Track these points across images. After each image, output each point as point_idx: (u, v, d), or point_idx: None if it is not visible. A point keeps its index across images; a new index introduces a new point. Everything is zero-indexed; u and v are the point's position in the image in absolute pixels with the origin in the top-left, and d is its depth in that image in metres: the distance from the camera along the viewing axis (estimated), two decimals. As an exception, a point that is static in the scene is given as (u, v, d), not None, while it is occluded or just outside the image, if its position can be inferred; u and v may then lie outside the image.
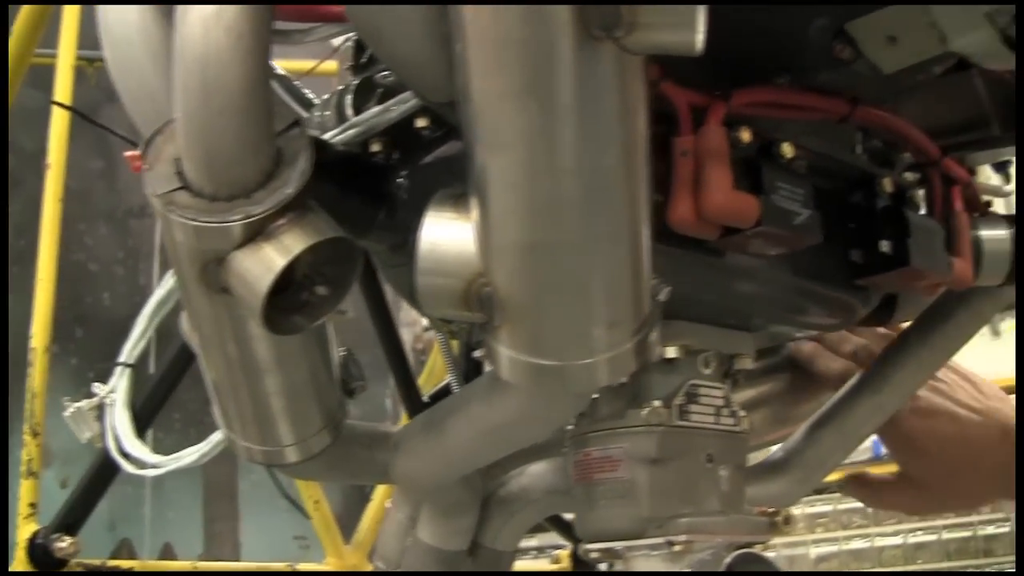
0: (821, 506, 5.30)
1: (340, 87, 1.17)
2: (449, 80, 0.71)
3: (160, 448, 1.74)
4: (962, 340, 1.40)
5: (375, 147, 1.04)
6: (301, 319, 0.84)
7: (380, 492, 2.76)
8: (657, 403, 1.05)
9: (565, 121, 0.65)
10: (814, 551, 5.32)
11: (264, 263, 0.77)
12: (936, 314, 1.37)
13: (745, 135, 0.96)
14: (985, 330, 4.52)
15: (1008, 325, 5.35)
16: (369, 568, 2.75)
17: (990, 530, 4.82)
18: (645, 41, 0.62)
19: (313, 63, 1.64)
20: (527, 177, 0.69)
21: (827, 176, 1.09)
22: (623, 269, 0.78)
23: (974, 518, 4.90)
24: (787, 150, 0.99)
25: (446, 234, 0.80)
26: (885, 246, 1.07)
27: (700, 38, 0.63)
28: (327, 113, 1.15)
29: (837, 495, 5.24)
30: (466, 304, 0.80)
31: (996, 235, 1.22)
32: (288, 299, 0.84)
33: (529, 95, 0.64)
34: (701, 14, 0.62)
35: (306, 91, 1.28)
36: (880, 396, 1.34)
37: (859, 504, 5.16)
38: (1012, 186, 1.50)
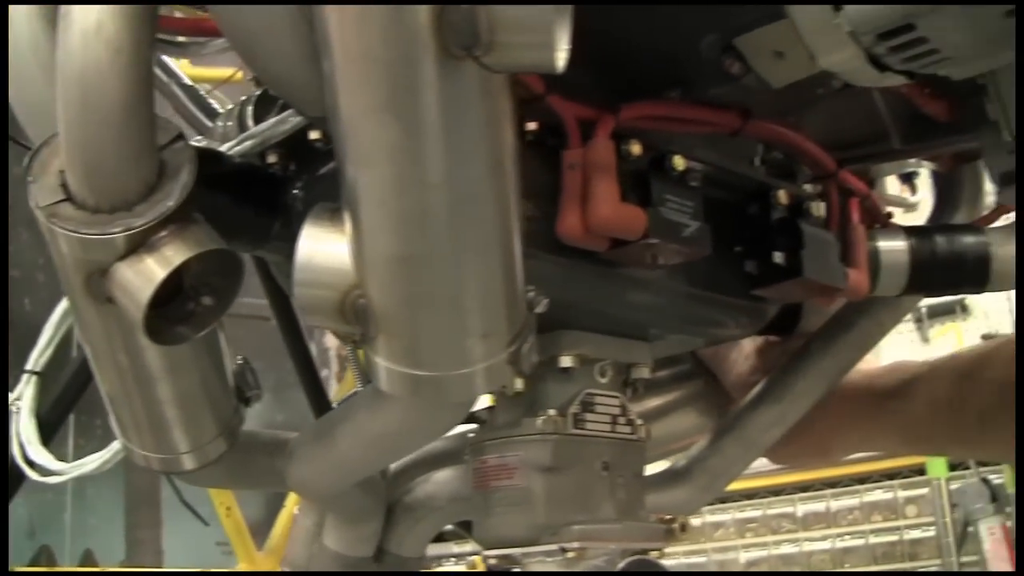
0: (751, 511, 5.34)
1: (243, 98, 1.18)
2: (321, 96, 0.72)
3: (83, 455, 1.74)
4: (864, 349, 1.42)
5: (272, 158, 1.04)
6: (186, 329, 0.84)
7: (292, 499, 2.78)
8: (552, 412, 1.06)
9: (428, 137, 0.66)
10: (744, 555, 5.35)
11: (144, 275, 0.78)
12: (838, 324, 1.40)
13: (635, 148, 0.97)
14: (915, 336, 4.57)
15: (936, 331, 5.42)
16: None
17: (916, 534, 4.88)
18: (504, 60, 0.63)
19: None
20: (393, 192, 0.70)
21: (724, 188, 1.10)
22: (494, 281, 0.79)
23: (900, 523, 4.96)
24: (678, 163, 1.00)
25: (322, 247, 0.80)
26: (779, 257, 1.09)
27: (559, 57, 0.64)
28: (230, 124, 1.16)
29: (767, 500, 5.29)
30: (342, 315, 0.80)
31: (894, 246, 1.24)
32: (174, 309, 0.84)
33: (392, 112, 0.65)
34: (557, 35, 0.63)
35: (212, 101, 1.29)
36: (782, 405, 1.36)
37: (789, 509, 5.25)
38: (919, 197, 1.52)
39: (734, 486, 4.72)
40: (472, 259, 0.75)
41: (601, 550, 1.05)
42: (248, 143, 1.07)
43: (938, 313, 5.42)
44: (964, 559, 4.63)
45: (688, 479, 1.38)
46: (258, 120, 1.13)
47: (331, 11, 0.64)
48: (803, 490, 5.24)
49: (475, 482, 1.10)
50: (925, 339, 5.47)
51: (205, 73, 1.84)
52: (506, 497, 1.07)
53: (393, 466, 1.37)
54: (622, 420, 1.12)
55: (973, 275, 1.27)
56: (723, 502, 5.37)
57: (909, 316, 5.53)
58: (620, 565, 1.03)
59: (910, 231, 1.26)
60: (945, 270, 1.25)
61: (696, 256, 1.00)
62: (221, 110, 1.25)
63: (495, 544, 1.08)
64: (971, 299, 5.35)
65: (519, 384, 1.08)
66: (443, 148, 0.67)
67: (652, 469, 1.45)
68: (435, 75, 0.64)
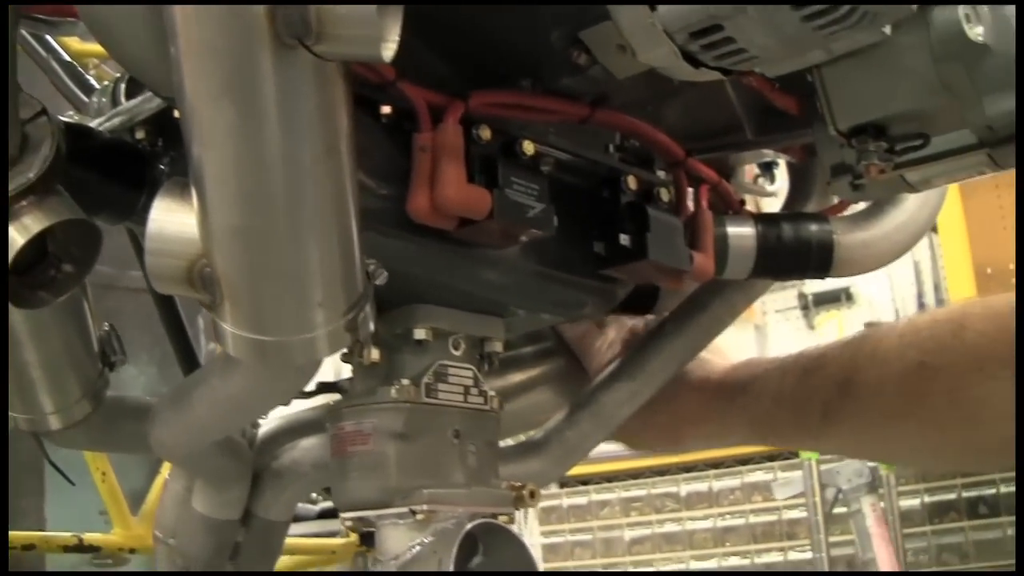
0: (636, 491, 5.43)
1: (118, 75, 1.22)
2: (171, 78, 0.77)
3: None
4: (716, 330, 1.48)
5: (140, 134, 1.08)
6: (47, 294, 0.89)
7: (166, 465, 2.80)
8: (406, 382, 1.11)
9: (264, 120, 0.71)
10: (628, 534, 5.44)
11: (4, 241, 0.82)
12: (692, 305, 1.46)
13: (485, 133, 1.03)
14: (801, 323, 4.66)
15: (821, 319, 5.54)
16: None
17: (793, 514, 4.98)
18: (334, 50, 0.68)
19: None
20: (233, 171, 0.74)
21: (577, 173, 1.16)
22: (330, 254, 0.84)
23: (779, 503, 5.06)
24: (528, 148, 1.06)
25: (172, 218, 0.85)
26: (625, 239, 1.15)
27: (385, 49, 0.69)
28: (104, 100, 1.20)
29: (652, 480, 5.38)
30: (190, 283, 0.85)
31: (742, 232, 1.30)
32: (36, 275, 0.89)
33: (230, 96, 0.70)
34: (383, 30, 0.68)
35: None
36: (635, 382, 1.42)
37: (673, 489, 5.34)
38: (777, 186, 1.59)
39: (620, 466, 4.79)
40: (308, 233, 0.80)
41: (450, 514, 1.10)
42: (117, 119, 1.11)
43: (824, 301, 5.54)
44: (834, 539, 4.74)
45: (544, 451, 1.43)
46: (130, 97, 1.16)
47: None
48: (687, 471, 5.33)
49: (333, 448, 1.15)
50: (811, 326, 5.59)
51: (94, 49, 1.87)
52: (361, 462, 1.12)
53: (261, 433, 1.41)
54: (475, 391, 1.17)
55: (817, 262, 1.34)
56: (609, 481, 5.47)
57: (795, 303, 5.67)
58: (467, 527, 1.08)
59: (759, 218, 1.32)
60: (790, 256, 1.32)
61: (540, 235, 1.05)
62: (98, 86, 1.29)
63: (351, 507, 1.13)
64: (856, 288, 5.47)
65: (375, 355, 1.13)
66: (278, 131, 0.72)
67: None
68: (269, 63, 0.69)
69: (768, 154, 1.48)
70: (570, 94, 1.10)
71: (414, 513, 1.08)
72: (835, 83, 1.00)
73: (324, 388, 1.28)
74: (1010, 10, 0.92)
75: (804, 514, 4.87)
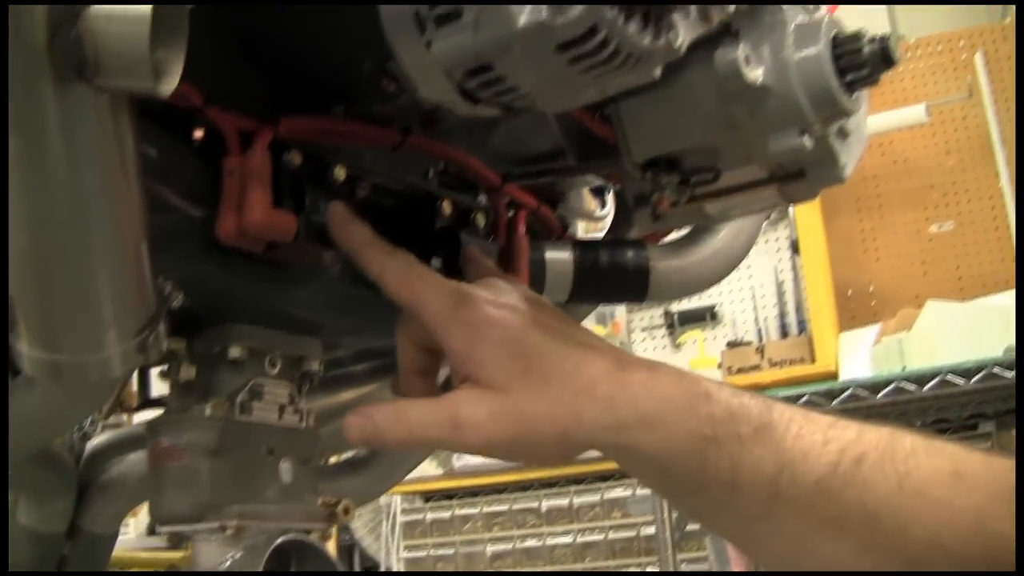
0: (498, 506, 5.47)
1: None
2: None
3: None
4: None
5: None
6: None
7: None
8: (220, 399, 1.13)
9: (47, 149, 0.74)
10: (490, 548, 5.48)
11: None
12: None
13: (295, 158, 1.05)
14: (667, 341, 4.75)
15: (685, 336, 5.63)
16: None
17: (649, 531, 5.03)
18: (111, 83, 0.71)
19: None
20: (19, 196, 0.77)
21: (394, 197, 1.19)
22: (119, 275, 0.86)
23: (639, 519, 5.13)
24: (339, 173, 1.09)
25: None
26: (437, 263, 1.18)
27: (163, 86, 0.72)
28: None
29: (514, 495, 5.42)
30: (-10, 305, 0.88)
31: (559, 257, 1.35)
32: None
33: (15, 125, 0.72)
34: (161, 66, 0.71)
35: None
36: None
37: (534, 504, 5.38)
38: (607, 210, 1.63)
39: (483, 480, 4.82)
40: (94, 256, 0.83)
41: (260, 529, 1.13)
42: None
43: (689, 319, 5.64)
44: (682, 556, 4.80)
45: (366, 468, 1.46)
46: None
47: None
48: (548, 486, 5.38)
49: (150, 462, 1.16)
50: (676, 344, 5.68)
51: None
52: (175, 477, 1.13)
53: (89, 447, 1.43)
54: (291, 409, 1.19)
55: (634, 287, 1.39)
56: (473, 495, 5.50)
57: (661, 321, 5.76)
58: (276, 542, 1.11)
59: (577, 244, 1.37)
60: (607, 281, 1.37)
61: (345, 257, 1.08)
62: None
63: (166, 521, 1.14)
64: (720, 307, 5.57)
65: (191, 372, 1.15)
66: (62, 158, 0.74)
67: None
68: (50, 95, 0.71)
69: (597, 179, 1.52)
70: (384, 120, 1.13)
71: (224, 528, 1.10)
72: (630, 116, 1.05)
73: (148, 403, 1.30)
74: (790, 52, 0.97)
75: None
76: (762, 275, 5.45)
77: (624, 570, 5.19)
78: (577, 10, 0.75)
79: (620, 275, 1.38)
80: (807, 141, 0.97)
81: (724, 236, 1.47)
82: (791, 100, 0.96)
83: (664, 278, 1.40)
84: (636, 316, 5.76)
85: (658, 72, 0.86)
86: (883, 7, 5.97)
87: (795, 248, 5.35)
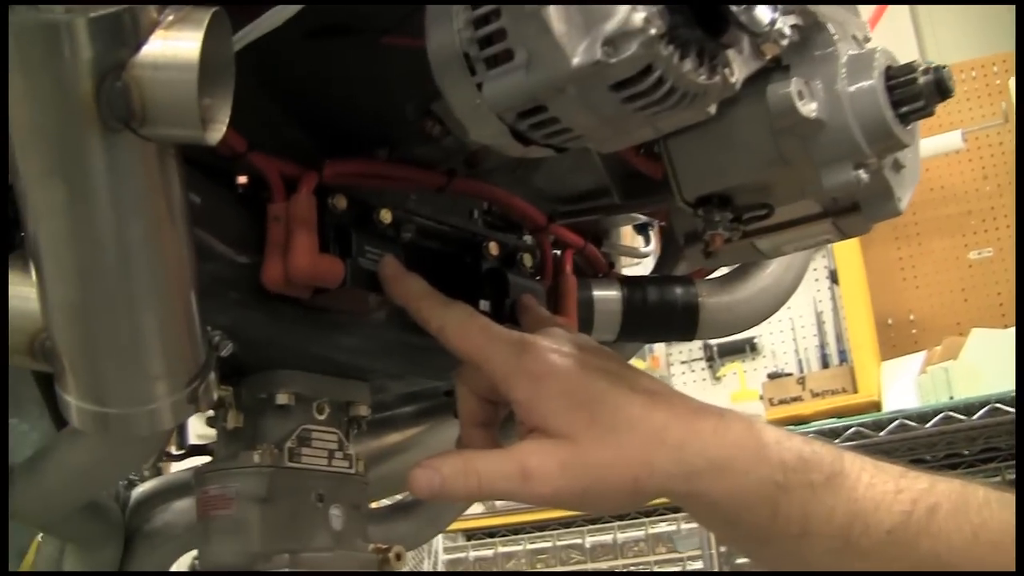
0: (542, 543, 5.42)
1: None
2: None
3: None
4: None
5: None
6: None
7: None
8: (269, 446, 1.12)
9: (94, 199, 0.73)
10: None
11: None
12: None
13: (340, 203, 1.04)
14: (707, 374, 4.71)
15: (725, 369, 5.59)
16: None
17: (696, 565, 4.98)
18: (158, 133, 0.70)
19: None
20: (65, 247, 0.75)
21: (440, 240, 1.17)
22: (168, 326, 0.85)
23: (685, 554, 5.08)
24: (385, 216, 1.08)
25: (14, 292, 0.86)
26: (484, 305, 1.16)
27: (212, 131, 0.71)
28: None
29: (558, 532, 5.38)
30: (32, 355, 0.87)
31: (607, 295, 1.33)
32: None
33: (58, 176, 0.71)
34: (209, 114, 0.70)
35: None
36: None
37: (578, 541, 5.33)
38: (652, 247, 1.62)
39: (526, 517, 4.78)
40: (143, 307, 0.81)
41: (314, 577, 1.11)
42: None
43: (728, 352, 5.60)
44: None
45: (415, 512, 1.45)
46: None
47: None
48: (592, 522, 5.33)
49: (198, 511, 1.15)
50: (716, 377, 5.64)
51: None
52: (224, 526, 1.12)
53: (135, 495, 1.42)
54: (339, 455, 1.18)
55: (682, 324, 1.37)
56: (515, 534, 5.46)
57: (700, 354, 5.72)
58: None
59: (624, 281, 1.35)
60: (656, 318, 1.35)
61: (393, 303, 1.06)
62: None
63: (216, 570, 1.14)
64: (760, 339, 5.52)
65: (238, 419, 1.14)
66: (108, 208, 0.73)
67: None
68: (97, 145, 0.70)
69: (641, 216, 1.51)
70: (428, 162, 1.12)
71: (275, 578, 1.09)
72: (680, 155, 1.03)
73: (195, 450, 1.29)
74: (843, 85, 0.95)
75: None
76: (801, 306, 5.40)
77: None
78: (632, 49, 0.73)
79: (669, 313, 1.36)
80: (862, 175, 0.95)
81: (773, 272, 1.45)
82: (845, 133, 0.94)
83: (713, 315, 1.38)
84: (675, 349, 5.72)
85: (713, 109, 0.84)
86: (911, 35, 5.94)
87: (834, 278, 5.31)
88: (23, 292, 0.85)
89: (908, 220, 5.38)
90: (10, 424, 1.18)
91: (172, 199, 0.77)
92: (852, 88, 0.94)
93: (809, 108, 0.94)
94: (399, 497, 1.57)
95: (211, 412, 1.18)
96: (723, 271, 1.46)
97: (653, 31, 0.74)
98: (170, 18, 0.69)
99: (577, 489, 0.92)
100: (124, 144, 0.71)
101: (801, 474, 0.91)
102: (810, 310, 5.47)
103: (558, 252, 1.31)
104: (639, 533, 5.22)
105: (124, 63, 0.68)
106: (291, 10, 0.81)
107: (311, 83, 1.06)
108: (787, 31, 0.87)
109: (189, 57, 0.68)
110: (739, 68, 0.84)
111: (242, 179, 1.05)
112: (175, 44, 0.69)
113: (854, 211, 1.06)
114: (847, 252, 5.14)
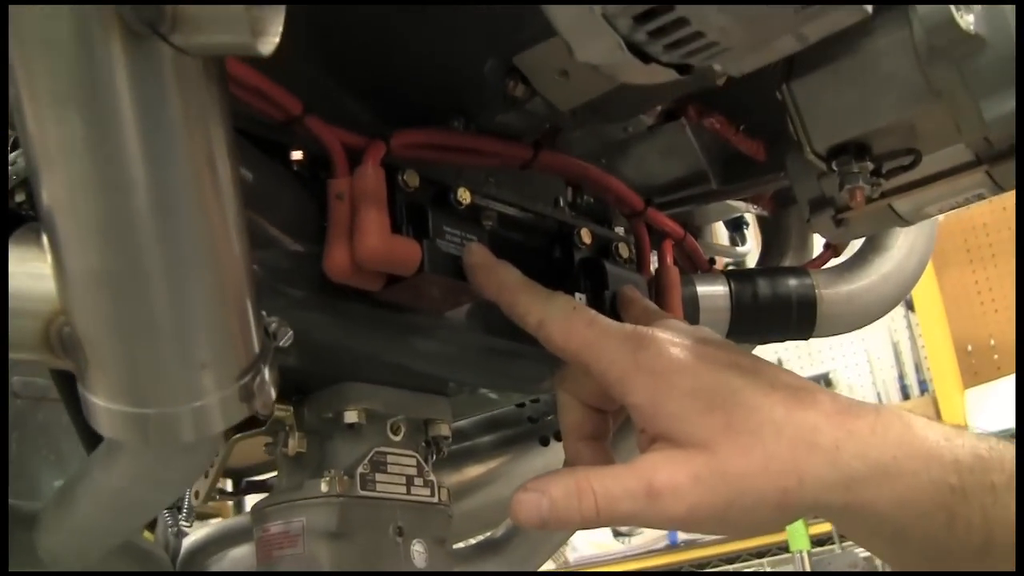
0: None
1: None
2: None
3: None
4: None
5: (19, 197, 0.94)
6: None
7: None
8: (338, 472, 0.97)
9: (118, 131, 0.56)
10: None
11: None
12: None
13: (413, 180, 0.89)
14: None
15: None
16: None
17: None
18: (196, 40, 0.54)
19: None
20: (83, 199, 0.59)
21: (523, 230, 1.02)
22: (216, 302, 0.68)
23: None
24: (464, 195, 0.93)
25: (22, 269, 0.70)
26: (580, 299, 1.01)
27: (262, 40, 0.55)
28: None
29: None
30: (48, 347, 0.70)
31: (713, 290, 1.19)
32: None
33: (70, 100, 0.54)
34: (254, 11, 0.54)
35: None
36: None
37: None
38: (747, 247, 1.48)
39: (610, 568, 4.67)
40: (186, 275, 0.64)
41: (396, 622, 0.97)
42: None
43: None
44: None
45: (505, 550, 1.30)
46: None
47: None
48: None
49: (259, 554, 1.01)
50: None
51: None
52: (290, 568, 0.97)
53: (187, 543, 1.28)
54: (419, 481, 1.03)
55: (799, 319, 1.22)
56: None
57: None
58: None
59: (731, 275, 1.21)
60: (769, 314, 1.21)
61: (479, 295, 0.91)
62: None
63: (284, 619, 0.99)
64: (834, 373, 5.39)
65: (301, 443, 1.00)
66: (137, 144, 0.56)
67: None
68: (118, 56, 0.54)
69: (737, 208, 1.36)
70: (509, 134, 0.97)
71: (351, 627, 0.94)
72: (808, 98, 0.88)
73: (251, 488, 1.15)
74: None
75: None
76: (876, 336, 5.27)
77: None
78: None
79: (783, 307, 1.20)
80: (1030, 106, 0.80)
81: (895, 255, 1.30)
82: (1010, 52, 0.79)
83: (832, 308, 1.23)
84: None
85: (870, 8, 0.69)
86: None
87: (909, 306, 5.17)
88: (36, 269, 0.69)
89: (982, 241, 5.24)
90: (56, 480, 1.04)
91: (216, 135, 0.61)
92: (1017, -4, 0.80)
93: (967, 21, 0.78)
94: (481, 538, 1.42)
95: (269, 439, 1.03)
96: (834, 262, 1.31)
97: None
98: None
99: (718, 506, 0.77)
100: (153, 57, 0.55)
101: (979, 475, 0.77)
102: (885, 340, 5.34)
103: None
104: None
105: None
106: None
107: (369, 45, 0.91)
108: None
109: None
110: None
111: (297, 154, 0.90)
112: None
113: (1009, 157, 0.92)
114: (922, 278, 5.00)
